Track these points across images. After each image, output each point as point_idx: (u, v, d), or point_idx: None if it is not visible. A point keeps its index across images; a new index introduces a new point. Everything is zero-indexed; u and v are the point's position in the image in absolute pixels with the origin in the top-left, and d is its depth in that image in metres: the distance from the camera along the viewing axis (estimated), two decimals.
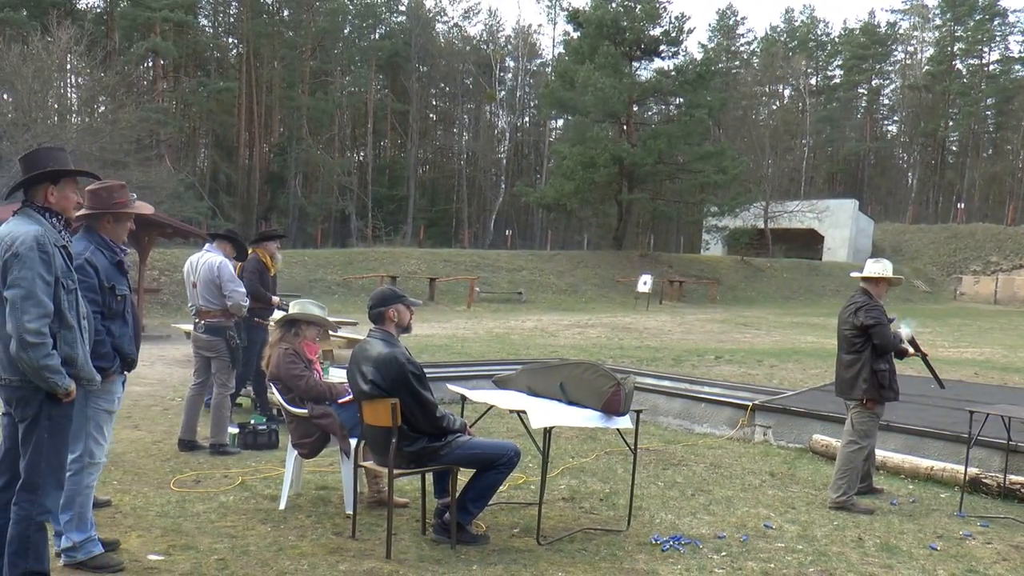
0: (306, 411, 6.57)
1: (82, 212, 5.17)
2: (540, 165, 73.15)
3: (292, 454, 6.73)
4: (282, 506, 6.67)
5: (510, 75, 78.12)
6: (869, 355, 7.17)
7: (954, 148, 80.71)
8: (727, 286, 45.17)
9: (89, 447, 5.08)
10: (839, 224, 55.42)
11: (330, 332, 11.59)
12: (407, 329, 6.00)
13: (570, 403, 6.21)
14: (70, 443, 5.06)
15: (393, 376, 5.59)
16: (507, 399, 6.45)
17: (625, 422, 6.19)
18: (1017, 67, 75.33)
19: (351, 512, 6.22)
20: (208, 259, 8.73)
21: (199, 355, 8.83)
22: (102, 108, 38.28)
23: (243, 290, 8.75)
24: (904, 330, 7.49)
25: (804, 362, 16.59)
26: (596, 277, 42.71)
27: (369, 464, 6.14)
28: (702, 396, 11.35)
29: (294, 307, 7.12)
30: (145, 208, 5.51)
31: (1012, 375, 15.32)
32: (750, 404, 10.44)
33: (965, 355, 19.26)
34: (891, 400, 7.35)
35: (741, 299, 43.34)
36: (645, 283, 35.64)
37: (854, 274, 7.72)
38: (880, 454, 8.56)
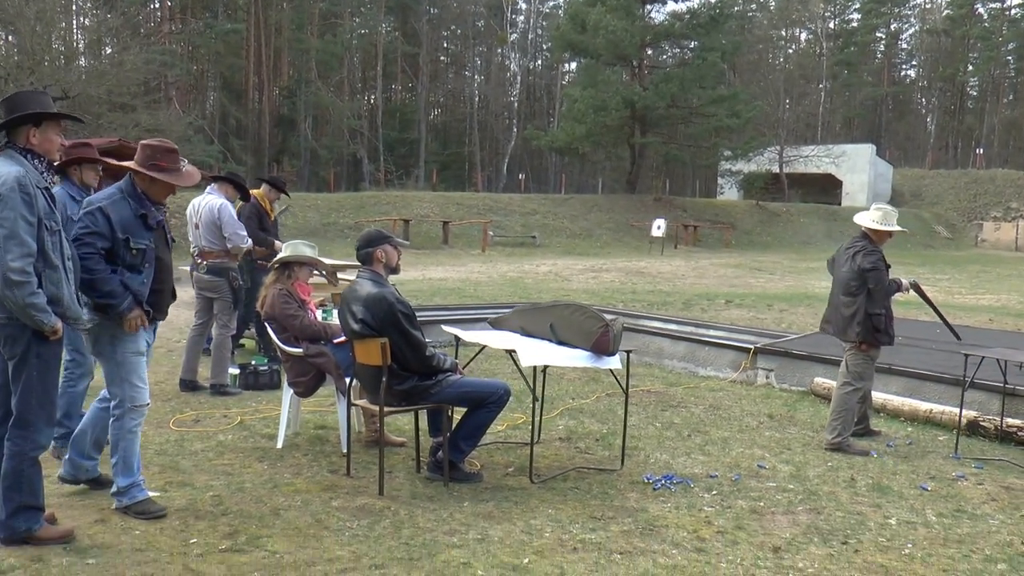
0: (301, 350, 6.62)
1: (127, 163, 5.17)
2: (552, 109, 72.59)
3: (288, 393, 6.79)
4: (279, 445, 6.73)
5: (522, 17, 77.43)
6: (865, 299, 7.14)
7: (973, 93, 79.65)
8: (742, 231, 44.98)
9: (127, 392, 5.08)
10: (857, 169, 54.87)
11: (338, 275, 11.63)
12: (396, 270, 6.02)
13: (560, 343, 6.23)
14: (108, 389, 5.16)
15: (382, 315, 5.61)
16: (499, 339, 6.48)
17: (615, 362, 6.20)
18: None
19: (347, 451, 6.29)
20: (209, 201, 8.77)
21: (201, 296, 8.89)
22: (108, 50, 37.99)
23: (243, 232, 8.79)
24: (905, 279, 7.46)
25: (815, 307, 16.55)
26: (610, 221, 42.55)
27: (363, 403, 6.19)
28: (706, 339, 11.34)
29: (286, 249, 7.14)
30: (188, 179, 5.33)
31: None
32: (752, 347, 10.44)
33: (982, 302, 19.15)
34: (886, 344, 7.32)
35: (756, 244, 43.20)
36: (659, 227, 35.51)
37: (856, 218, 7.64)
38: (880, 396, 8.57)
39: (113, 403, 5.12)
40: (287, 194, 10.86)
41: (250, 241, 8.95)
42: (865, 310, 7.13)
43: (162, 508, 5.17)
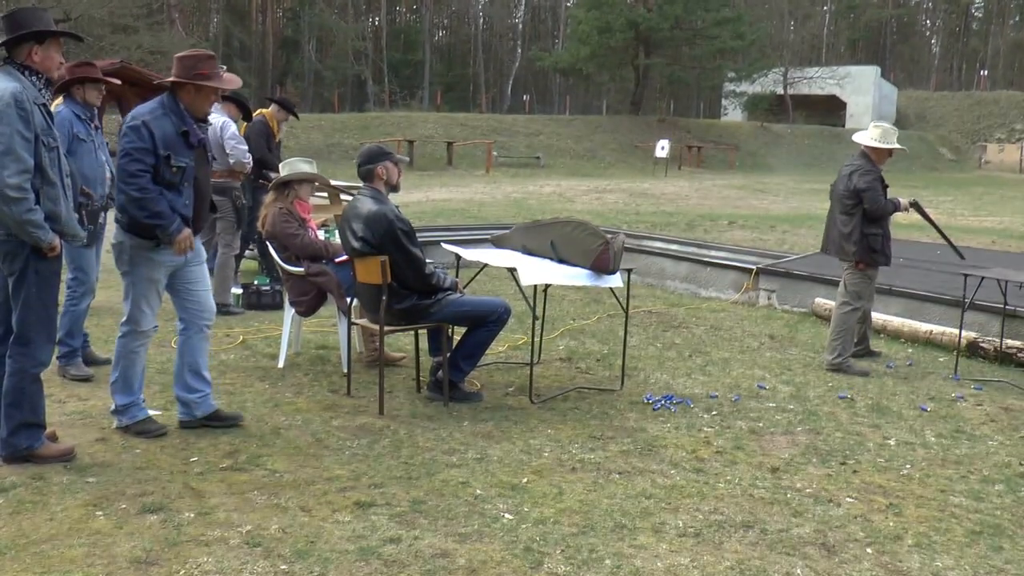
0: (302, 269, 6.60)
1: (167, 79, 5.04)
2: (557, 30, 71.71)
3: (289, 312, 6.79)
4: (280, 364, 6.75)
5: None
6: (860, 218, 7.09)
7: (978, 15, 78.55)
8: (746, 152, 44.66)
9: (133, 315, 5.06)
10: (861, 91, 54.34)
11: (341, 196, 11.57)
12: (396, 187, 5.95)
13: (561, 261, 6.20)
14: (125, 305, 5.10)
15: (382, 232, 5.57)
16: (500, 257, 6.45)
17: (615, 280, 6.17)
18: None
19: (348, 370, 6.30)
20: (212, 119, 8.65)
21: None
22: None
23: (245, 147, 8.69)
24: (904, 199, 7.40)
25: (817, 228, 16.33)
26: (614, 142, 42.28)
27: (363, 322, 6.18)
28: (708, 260, 11.32)
29: (284, 168, 7.08)
30: (231, 83, 5.25)
31: None
32: (754, 268, 10.42)
33: (985, 224, 19.03)
34: (883, 264, 7.28)
35: (760, 165, 42.94)
36: (663, 148, 35.17)
37: (856, 137, 7.56)
38: (880, 318, 8.56)
39: (122, 320, 5.12)
40: (296, 116, 10.76)
41: (250, 159, 8.86)
42: (861, 230, 7.08)
43: (162, 427, 5.19)
